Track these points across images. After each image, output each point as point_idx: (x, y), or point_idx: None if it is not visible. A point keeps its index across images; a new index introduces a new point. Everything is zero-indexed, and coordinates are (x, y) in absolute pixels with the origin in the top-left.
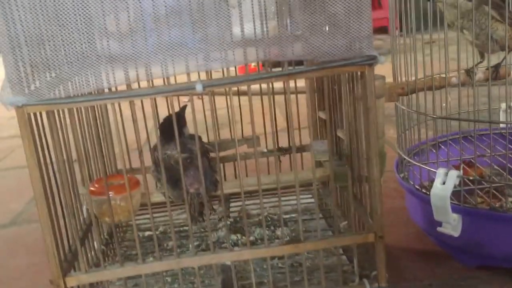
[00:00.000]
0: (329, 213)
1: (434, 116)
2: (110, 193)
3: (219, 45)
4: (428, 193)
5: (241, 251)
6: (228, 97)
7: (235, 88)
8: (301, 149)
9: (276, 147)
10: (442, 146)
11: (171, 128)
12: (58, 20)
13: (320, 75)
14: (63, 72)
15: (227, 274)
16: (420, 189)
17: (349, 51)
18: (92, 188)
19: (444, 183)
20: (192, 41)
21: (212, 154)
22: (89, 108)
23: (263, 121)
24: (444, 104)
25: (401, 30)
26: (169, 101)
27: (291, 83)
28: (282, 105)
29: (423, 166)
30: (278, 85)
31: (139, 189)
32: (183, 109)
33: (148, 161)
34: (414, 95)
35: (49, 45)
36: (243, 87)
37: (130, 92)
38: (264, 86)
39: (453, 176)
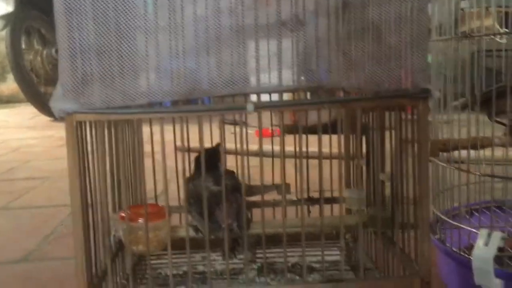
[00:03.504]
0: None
1: (478, 174)
2: (140, 220)
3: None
4: (468, 255)
5: (279, 286)
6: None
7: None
8: (332, 200)
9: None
10: (485, 211)
11: (207, 161)
12: (117, 32)
13: (373, 105)
14: (115, 83)
15: None
16: (458, 251)
17: (403, 83)
18: (122, 214)
19: (486, 245)
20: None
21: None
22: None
23: (294, 171)
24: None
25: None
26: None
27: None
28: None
29: (469, 228)
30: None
31: (167, 220)
32: (217, 145)
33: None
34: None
35: (105, 55)
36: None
37: (182, 107)
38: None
39: (497, 237)
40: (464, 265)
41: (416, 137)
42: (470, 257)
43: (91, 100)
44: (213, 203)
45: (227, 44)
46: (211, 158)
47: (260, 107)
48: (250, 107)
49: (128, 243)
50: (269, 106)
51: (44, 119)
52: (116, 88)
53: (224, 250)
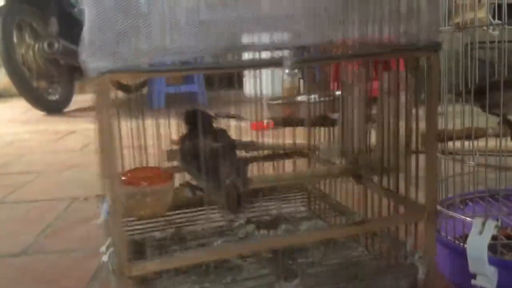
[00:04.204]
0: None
1: (472, 164)
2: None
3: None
4: (462, 243)
5: (299, 235)
6: None
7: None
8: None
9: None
10: (479, 201)
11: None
12: None
13: (389, 57)
14: (149, 40)
15: None
16: (453, 240)
17: (417, 36)
18: (123, 178)
19: (481, 234)
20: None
21: None
22: None
23: None
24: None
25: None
26: None
27: None
28: None
29: (463, 217)
30: None
31: (172, 182)
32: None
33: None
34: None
35: (133, 11)
36: None
37: (219, 63)
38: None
39: (491, 226)
40: (459, 254)
41: (427, 87)
42: (464, 245)
43: (123, 58)
44: (214, 161)
45: None
46: (203, 116)
47: (296, 62)
48: (287, 62)
49: (128, 209)
50: (306, 61)
51: (37, 113)
52: (146, 45)
53: (227, 205)
